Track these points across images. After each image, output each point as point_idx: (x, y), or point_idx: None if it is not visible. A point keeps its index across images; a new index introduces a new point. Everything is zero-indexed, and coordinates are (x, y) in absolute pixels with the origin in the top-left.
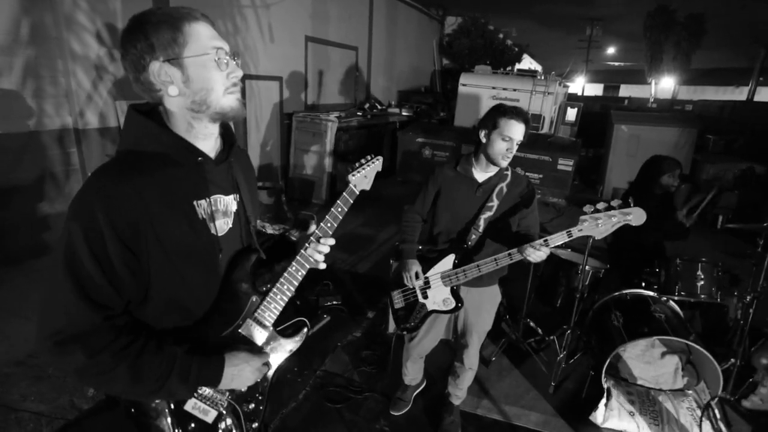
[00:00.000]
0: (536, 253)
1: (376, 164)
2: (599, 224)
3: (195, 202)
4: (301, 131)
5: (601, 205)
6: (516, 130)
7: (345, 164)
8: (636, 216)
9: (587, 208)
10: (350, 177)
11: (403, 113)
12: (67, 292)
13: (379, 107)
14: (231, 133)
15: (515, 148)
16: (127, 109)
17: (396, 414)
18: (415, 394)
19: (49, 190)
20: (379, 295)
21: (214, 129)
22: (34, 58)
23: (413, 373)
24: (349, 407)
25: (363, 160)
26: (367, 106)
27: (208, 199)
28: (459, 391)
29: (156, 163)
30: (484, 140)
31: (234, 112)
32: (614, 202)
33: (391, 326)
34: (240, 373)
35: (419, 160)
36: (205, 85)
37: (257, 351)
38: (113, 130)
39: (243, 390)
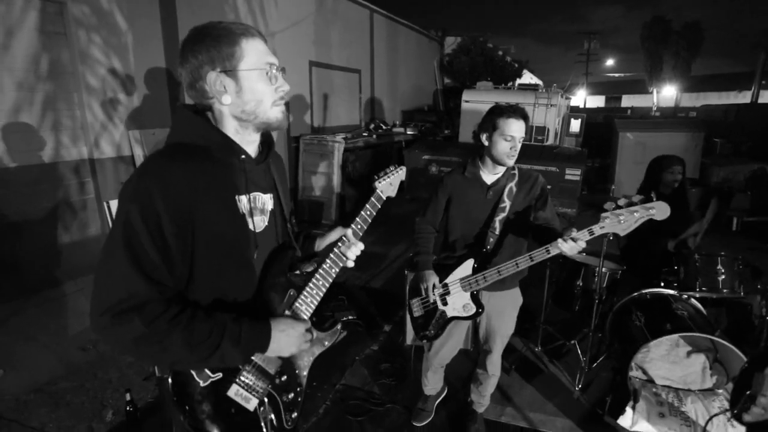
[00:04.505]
0: (567, 245)
1: (400, 173)
2: (621, 220)
3: (236, 197)
4: (309, 153)
5: (622, 201)
6: (516, 128)
7: (353, 185)
8: (660, 210)
9: (608, 205)
10: (377, 183)
11: (408, 132)
12: (125, 268)
13: (384, 127)
14: (270, 136)
15: (518, 145)
16: (178, 107)
17: (418, 425)
18: (436, 403)
19: (65, 219)
20: (394, 309)
21: (257, 137)
22: (52, 93)
23: (434, 382)
24: (371, 420)
25: (388, 169)
26: (372, 126)
27: (248, 196)
28: (482, 399)
29: (203, 155)
30: (486, 143)
31: (278, 123)
32: (635, 198)
33: (409, 338)
34: (287, 338)
35: (426, 177)
36: (256, 96)
37: (300, 319)
38: (127, 159)
39: (284, 379)
